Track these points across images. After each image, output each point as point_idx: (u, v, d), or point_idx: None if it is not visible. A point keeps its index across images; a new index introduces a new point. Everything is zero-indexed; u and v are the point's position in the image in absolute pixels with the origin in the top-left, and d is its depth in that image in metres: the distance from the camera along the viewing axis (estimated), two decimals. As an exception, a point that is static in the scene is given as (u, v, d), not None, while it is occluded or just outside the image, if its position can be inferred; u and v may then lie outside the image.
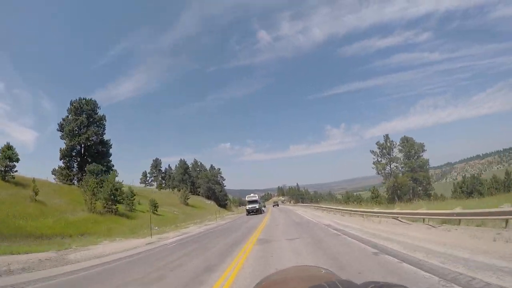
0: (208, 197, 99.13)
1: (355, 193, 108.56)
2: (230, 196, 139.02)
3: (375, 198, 60.48)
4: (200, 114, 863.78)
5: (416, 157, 70.67)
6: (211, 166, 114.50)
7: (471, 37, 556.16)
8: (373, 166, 72.41)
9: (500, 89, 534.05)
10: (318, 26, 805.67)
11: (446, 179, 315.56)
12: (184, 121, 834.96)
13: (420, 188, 68.78)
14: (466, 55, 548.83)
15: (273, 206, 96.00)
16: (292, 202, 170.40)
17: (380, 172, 71.73)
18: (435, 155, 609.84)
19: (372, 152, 72.44)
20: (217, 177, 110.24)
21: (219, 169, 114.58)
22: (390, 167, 71.57)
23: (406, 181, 66.98)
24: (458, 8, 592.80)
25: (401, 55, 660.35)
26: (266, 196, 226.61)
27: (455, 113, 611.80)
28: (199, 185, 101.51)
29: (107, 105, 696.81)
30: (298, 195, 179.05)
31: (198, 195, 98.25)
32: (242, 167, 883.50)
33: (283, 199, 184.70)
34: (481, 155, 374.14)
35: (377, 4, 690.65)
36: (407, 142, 71.80)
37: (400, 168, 70.23)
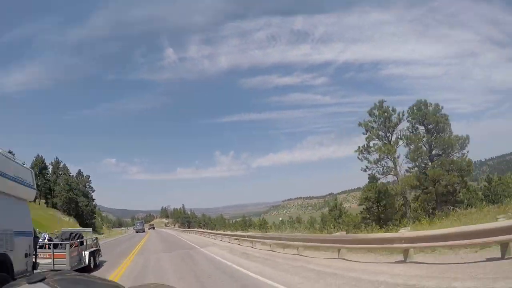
0: (68, 212, 74.70)
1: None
2: (104, 214, 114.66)
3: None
4: (88, 123, 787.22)
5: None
6: (79, 171, 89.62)
7: (362, 87, 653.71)
8: (359, 156, 42.41)
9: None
10: (225, 55, 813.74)
11: (327, 208, 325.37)
12: (69, 127, 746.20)
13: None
14: (355, 102, 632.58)
15: (149, 228, 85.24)
16: (177, 225, 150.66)
17: (372, 167, 42.17)
18: (318, 186, 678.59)
19: (363, 124, 42.85)
20: (84, 186, 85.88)
21: (89, 176, 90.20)
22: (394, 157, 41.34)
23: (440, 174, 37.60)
24: (355, 61, 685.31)
25: (296, 94, 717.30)
26: (148, 218, 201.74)
27: (338, 151, 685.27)
28: (57, 194, 76.27)
29: None
30: (184, 218, 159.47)
31: (55, 207, 73.76)
32: (126, 186, 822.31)
33: (166, 221, 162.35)
34: (361, 187, 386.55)
35: (283, 46, 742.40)
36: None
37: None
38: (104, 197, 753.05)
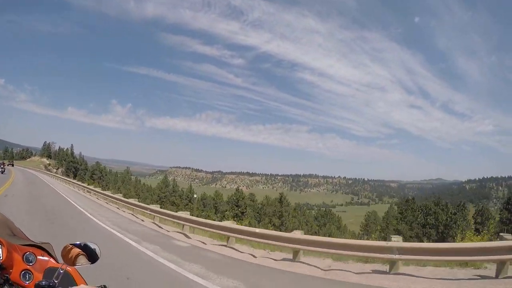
0: None
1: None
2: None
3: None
4: None
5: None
6: None
7: (274, 81, 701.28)
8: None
9: (277, 128, 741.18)
10: (154, 2, 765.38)
11: (215, 185, 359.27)
12: None
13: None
14: (263, 92, 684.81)
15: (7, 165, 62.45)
16: (61, 171, 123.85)
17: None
18: (209, 162, 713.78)
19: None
20: None
21: None
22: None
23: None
24: (276, 55, 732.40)
25: (211, 66, 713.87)
26: (24, 154, 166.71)
27: (233, 132, 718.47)
28: None
29: None
30: (70, 163, 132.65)
31: None
32: (9, 113, 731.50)
33: (48, 162, 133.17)
34: (250, 172, 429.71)
35: (215, 16, 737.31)
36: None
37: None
38: None
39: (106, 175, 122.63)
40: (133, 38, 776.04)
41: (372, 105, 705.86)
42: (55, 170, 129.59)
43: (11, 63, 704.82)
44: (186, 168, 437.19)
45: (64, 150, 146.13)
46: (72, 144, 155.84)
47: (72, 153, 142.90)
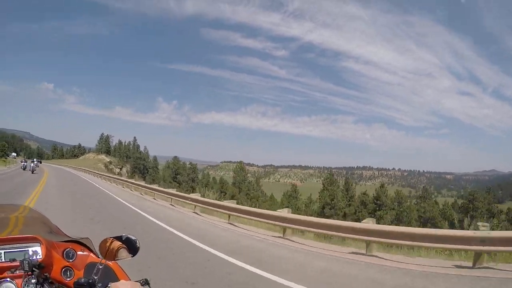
0: None
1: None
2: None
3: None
4: (30, 38, 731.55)
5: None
6: None
7: (318, 71, 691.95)
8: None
9: (323, 119, 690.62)
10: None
11: (269, 179, 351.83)
12: (6, 37, 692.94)
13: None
14: (307, 83, 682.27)
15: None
16: (125, 170, 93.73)
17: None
18: (259, 156, 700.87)
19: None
20: None
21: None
22: None
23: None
24: (319, 45, 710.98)
25: (254, 59, 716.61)
26: (77, 151, 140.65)
27: (279, 125, 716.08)
28: None
29: None
30: (137, 159, 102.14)
31: None
32: (61, 116, 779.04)
33: (108, 160, 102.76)
34: (303, 165, 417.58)
35: (255, 8, 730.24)
36: None
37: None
38: (35, 124, 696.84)
39: (194, 174, 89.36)
40: (175, 35, 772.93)
41: (419, 93, 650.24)
42: (118, 170, 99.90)
43: (59, 68, 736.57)
44: (237, 162, 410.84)
45: (126, 144, 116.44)
46: (135, 137, 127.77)
47: (137, 147, 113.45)
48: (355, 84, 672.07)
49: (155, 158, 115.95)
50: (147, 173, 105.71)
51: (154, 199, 17.81)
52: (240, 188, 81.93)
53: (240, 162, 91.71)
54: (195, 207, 13.75)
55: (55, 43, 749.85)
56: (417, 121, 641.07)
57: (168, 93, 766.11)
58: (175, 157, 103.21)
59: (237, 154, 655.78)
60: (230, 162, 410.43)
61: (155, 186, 20.62)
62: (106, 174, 40.22)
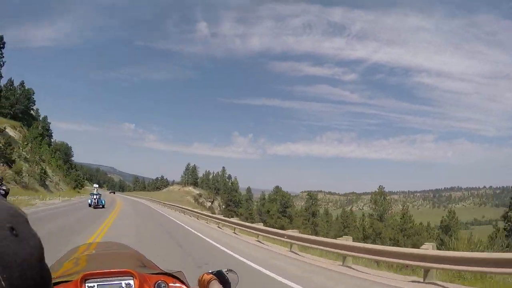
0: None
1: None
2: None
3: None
4: (110, 85, 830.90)
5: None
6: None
7: (389, 91, 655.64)
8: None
9: (401, 141, 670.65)
10: (258, 36, 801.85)
11: (351, 207, 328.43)
12: (92, 86, 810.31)
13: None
14: (380, 105, 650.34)
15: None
16: (217, 204, 78.47)
17: None
18: (339, 184, 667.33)
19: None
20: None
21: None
22: None
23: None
24: (387, 63, 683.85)
25: (324, 86, 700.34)
26: (160, 183, 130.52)
27: (356, 151, 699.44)
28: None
29: (19, 47, 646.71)
30: (229, 191, 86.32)
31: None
32: (142, 152, 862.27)
33: (198, 192, 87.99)
34: (386, 191, 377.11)
35: (318, 36, 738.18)
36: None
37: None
38: (119, 160, 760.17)
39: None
40: (244, 72, 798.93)
41: (498, 98, 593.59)
42: (209, 204, 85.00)
43: (139, 110, 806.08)
44: (318, 191, 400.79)
45: (214, 174, 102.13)
46: (224, 167, 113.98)
47: (229, 177, 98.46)
48: (429, 99, 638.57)
49: (248, 189, 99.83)
50: (240, 206, 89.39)
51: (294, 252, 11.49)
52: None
53: (380, 189, 71.65)
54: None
55: (134, 87, 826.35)
56: (500, 130, 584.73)
57: (243, 127, 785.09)
58: (277, 187, 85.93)
59: (315, 183, 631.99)
60: (310, 191, 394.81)
61: (294, 233, 12.05)
62: (205, 214, 27.06)
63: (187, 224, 20.48)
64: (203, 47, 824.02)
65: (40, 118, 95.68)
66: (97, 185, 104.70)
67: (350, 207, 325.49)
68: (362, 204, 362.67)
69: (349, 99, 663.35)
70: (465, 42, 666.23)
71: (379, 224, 64.21)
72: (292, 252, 11.25)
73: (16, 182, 40.91)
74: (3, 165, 41.11)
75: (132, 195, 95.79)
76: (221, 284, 1.43)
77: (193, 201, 78.06)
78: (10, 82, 75.94)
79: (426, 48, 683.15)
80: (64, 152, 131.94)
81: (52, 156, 75.80)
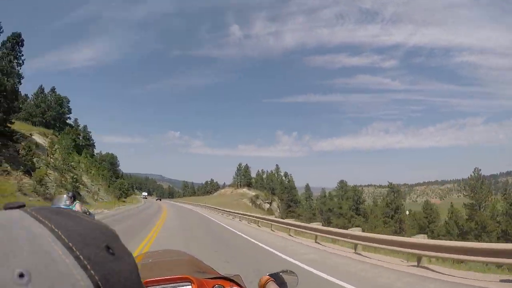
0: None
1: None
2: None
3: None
4: (153, 97, 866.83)
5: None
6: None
7: (432, 74, 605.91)
8: None
9: (450, 126, 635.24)
10: (291, 32, 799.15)
11: (404, 200, 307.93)
12: (136, 100, 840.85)
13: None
14: (424, 89, 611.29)
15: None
16: (275, 205, 68.53)
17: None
18: (390, 176, 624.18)
19: None
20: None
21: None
22: None
23: None
24: (425, 45, 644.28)
25: (364, 76, 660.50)
26: (209, 187, 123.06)
27: (404, 141, 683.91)
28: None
29: (60, 69, 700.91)
30: (292, 190, 75.77)
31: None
32: (189, 159, 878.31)
33: (254, 194, 77.93)
34: (439, 181, 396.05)
35: (352, 25, 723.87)
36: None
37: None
38: (167, 167, 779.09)
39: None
40: (282, 70, 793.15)
41: None
42: (267, 206, 75.00)
43: (182, 118, 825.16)
44: (368, 185, 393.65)
45: (268, 173, 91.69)
46: (277, 165, 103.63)
47: (285, 175, 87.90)
48: (474, 78, 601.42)
49: (307, 187, 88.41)
50: (298, 206, 78.54)
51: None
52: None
53: (477, 172, 58.25)
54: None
55: (175, 96, 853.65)
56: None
57: (287, 125, 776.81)
58: (342, 181, 74.11)
59: (364, 177, 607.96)
60: (361, 186, 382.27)
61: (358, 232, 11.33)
62: (270, 219, 20.89)
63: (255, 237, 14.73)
64: (238, 50, 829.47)
65: (80, 128, 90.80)
66: (146, 193, 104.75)
67: (402, 199, 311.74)
68: (415, 195, 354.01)
69: (390, 86, 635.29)
70: (505, 14, 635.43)
71: (482, 216, 50.83)
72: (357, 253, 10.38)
73: (37, 194, 32.81)
74: (18, 174, 33.20)
75: (181, 201, 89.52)
76: (278, 285, 1.45)
77: (250, 204, 68.53)
78: (41, 89, 70.33)
79: (465, 25, 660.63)
80: (110, 162, 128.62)
81: (94, 165, 69.42)
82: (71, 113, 79.77)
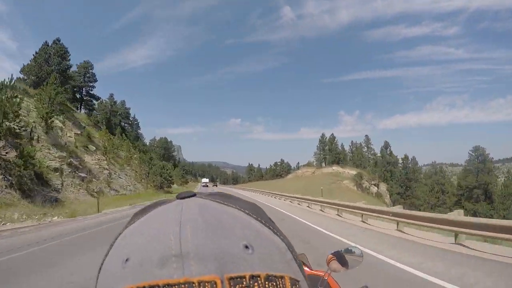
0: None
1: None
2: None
3: None
4: (211, 87, 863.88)
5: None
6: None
7: (498, 40, 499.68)
8: None
9: None
10: (345, 8, 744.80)
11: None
12: (194, 92, 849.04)
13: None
14: (490, 58, 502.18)
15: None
16: (387, 191, 44.32)
17: None
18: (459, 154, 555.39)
19: None
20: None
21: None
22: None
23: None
24: (489, 8, 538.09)
25: (426, 47, 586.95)
26: (278, 169, 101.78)
27: (471, 115, 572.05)
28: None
29: (119, 71, 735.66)
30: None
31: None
32: (252, 144, 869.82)
33: (353, 173, 53.07)
34: None
35: None
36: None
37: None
38: (230, 154, 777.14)
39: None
40: (339, 47, 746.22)
41: None
42: (374, 189, 52.06)
43: (242, 104, 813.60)
44: (441, 164, 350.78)
45: (358, 145, 67.40)
46: (367, 135, 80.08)
47: (386, 146, 64.16)
48: None
49: (414, 160, 62.69)
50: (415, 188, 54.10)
51: None
52: None
53: None
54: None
55: (233, 84, 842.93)
56: None
57: (348, 105, 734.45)
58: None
59: (432, 155, 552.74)
60: (434, 163, 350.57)
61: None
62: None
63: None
64: (292, 32, 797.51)
65: (117, 104, 73.93)
66: (206, 179, 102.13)
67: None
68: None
69: (454, 56, 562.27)
70: None
71: None
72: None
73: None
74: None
75: (243, 187, 73.29)
76: (340, 263, 1.49)
77: (355, 187, 46.56)
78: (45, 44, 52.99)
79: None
80: (163, 147, 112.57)
81: (124, 145, 51.45)
82: (96, 81, 62.20)
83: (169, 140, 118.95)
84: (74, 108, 51.65)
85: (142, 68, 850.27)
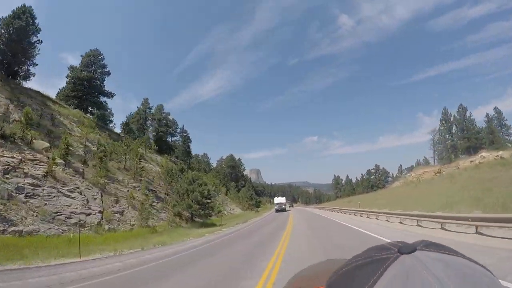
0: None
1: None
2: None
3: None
4: (282, 108, 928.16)
5: None
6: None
7: None
8: None
9: None
10: (400, 3, 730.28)
11: None
12: (267, 116, 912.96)
13: None
14: None
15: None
16: None
17: None
18: None
19: None
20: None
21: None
22: None
23: None
24: None
25: (495, 24, 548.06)
26: (371, 180, 79.15)
27: None
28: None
29: (192, 105, 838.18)
30: None
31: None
32: (332, 160, 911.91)
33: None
34: None
35: None
36: None
37: None
38: (310, 173, 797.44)
39: None
40: (405, 45, 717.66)
41: None
42: None
43: (315, 120, 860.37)
44: None
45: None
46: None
47: None
48: None
49: None
50: None
51: None
52: None
53: None
54: None
55: (304, 102, 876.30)
56: None
57: (425, 105, 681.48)
58: None
59: None
60: None
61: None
62: None
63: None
64: (354, 39, 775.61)
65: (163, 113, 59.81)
66: (282, 199, 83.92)
67: None
68: None
69: None
70: None
71: None
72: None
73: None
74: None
75: (330, 206, 56.86)
76: None
77: None
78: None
79: None
80: (229, 166, 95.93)
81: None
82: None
83: (236, 158, 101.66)
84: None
85: (213, 99, 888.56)
